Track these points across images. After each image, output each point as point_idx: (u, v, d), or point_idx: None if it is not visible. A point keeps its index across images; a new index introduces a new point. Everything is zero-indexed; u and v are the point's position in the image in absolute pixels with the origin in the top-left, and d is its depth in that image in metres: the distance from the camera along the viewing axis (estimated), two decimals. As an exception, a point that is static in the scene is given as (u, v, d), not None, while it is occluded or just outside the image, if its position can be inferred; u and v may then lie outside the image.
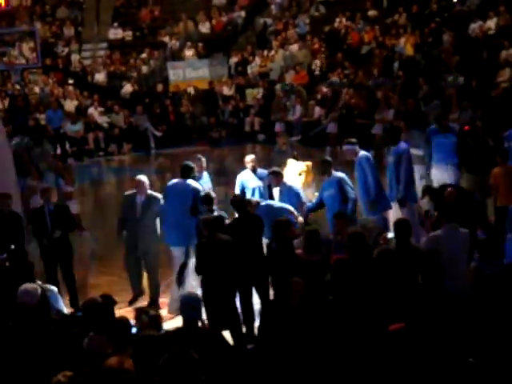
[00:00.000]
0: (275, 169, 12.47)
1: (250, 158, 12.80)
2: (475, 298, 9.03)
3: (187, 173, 11.69)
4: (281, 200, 11.99)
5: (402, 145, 12.75)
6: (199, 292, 9.58)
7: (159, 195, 11.78)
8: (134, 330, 7.71)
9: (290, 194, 12.02)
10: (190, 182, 11.62)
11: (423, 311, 8.09)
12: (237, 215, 10.76)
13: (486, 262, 9.97)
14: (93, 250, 14.16)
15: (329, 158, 12.60)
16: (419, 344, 7.72)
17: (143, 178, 11.88)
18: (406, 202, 12.43)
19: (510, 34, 23.44)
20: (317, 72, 27.46)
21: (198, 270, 9.99)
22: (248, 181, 12.62)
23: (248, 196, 12.09)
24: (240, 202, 10.94)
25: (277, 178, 12.14)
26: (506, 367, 7.05)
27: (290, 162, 13.34)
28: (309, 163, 13.58)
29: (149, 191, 11.77)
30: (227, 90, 28.10)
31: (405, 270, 9.25)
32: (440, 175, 13.56)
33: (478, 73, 22.51)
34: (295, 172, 13.13)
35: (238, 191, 12.48)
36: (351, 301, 8.78)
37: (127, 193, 12.03)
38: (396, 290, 8.97)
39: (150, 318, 7.93)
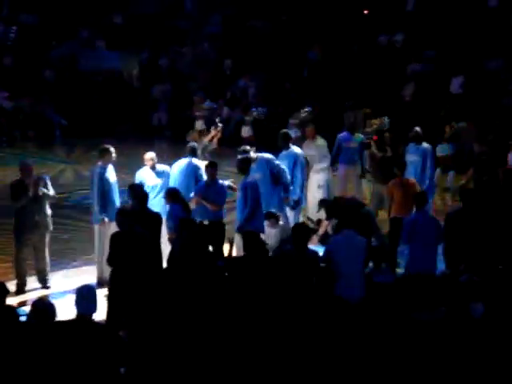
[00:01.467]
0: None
1: (149, 156, 12.82)
2: (365, 304, 9.29)
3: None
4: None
5: (294, 150, 13.37)
6: None
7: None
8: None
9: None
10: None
11: (312, 315, 8.30)
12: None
13: (377, 270, 10.31)
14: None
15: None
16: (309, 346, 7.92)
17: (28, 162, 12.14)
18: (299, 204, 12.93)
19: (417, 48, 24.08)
20: (227, 72, 27.54)
21: (110, 261, 9.99)
22: (146, 179, 12.64)
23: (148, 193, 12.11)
24: (142, 196, 11.05)
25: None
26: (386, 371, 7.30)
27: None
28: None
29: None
30: (137, 83, 27.97)
31: (300, 273, 9.47)
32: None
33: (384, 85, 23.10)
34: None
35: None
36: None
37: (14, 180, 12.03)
38: (290, 292, 9.19)
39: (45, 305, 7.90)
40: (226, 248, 12.08)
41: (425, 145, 14.37)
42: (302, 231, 9.85)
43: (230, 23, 29.22)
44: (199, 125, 20.51)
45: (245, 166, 12.11)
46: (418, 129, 14.50)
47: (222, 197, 12.16)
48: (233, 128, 24.30)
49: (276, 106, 24.21)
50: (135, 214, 10.50)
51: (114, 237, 10.09)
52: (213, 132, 14.30)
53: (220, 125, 14.79)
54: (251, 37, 28.40)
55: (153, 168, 12.71)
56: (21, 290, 11.66)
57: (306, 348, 7.94)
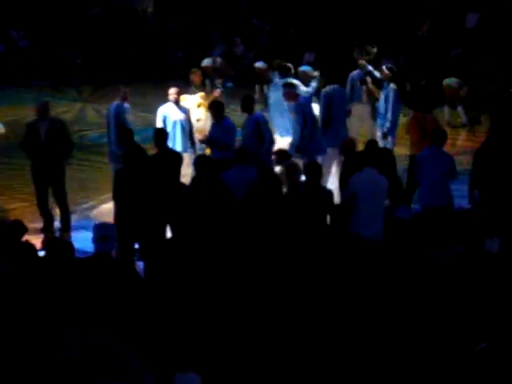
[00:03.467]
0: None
1: (173, 90, 12.74)
2: (382, 241, 9.30)
3: None
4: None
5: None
6: None
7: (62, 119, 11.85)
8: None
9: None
10: None
11: (328, 253, 8.30)
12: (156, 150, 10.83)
13: (394, 207, 10.30)
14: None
15: (252, 95, 12.64)
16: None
17: (45, 102, 11.84)
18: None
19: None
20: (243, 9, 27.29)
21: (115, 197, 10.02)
22: (170, 114, 12.58)
23: (169, 129, 12.09)
24: (162, 135, 11.01)
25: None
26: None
27: (184, 96, 13.27)
28: (202, 93, 13.58)
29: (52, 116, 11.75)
30: (152, 22, 27.77)
31: (313, 211, 9.48)
32: None
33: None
34: (193, 105, 13.13)
35: (159, 124, 12.45)
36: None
37: (29, 121, 11.98)
38: (303, 230, 9.21)
39: (60, 246, 7.97)
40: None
41: (391, 85, 13.67)
42: (314, 169, 9.81)
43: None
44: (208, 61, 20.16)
45: (247, 104, 12.09)
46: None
47: (230, 135, 12.09)
48: (247, 66, 24.09)
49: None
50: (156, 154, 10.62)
51: (117, 173, 10.15)
52: (214, 93, 14.04)
53: (219, 89, 14.55)
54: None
55: (176, 103, 12.64)
56: (46, 229, 11.73)
57: (321, 288, 7.96)
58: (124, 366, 5.24)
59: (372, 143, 11.24)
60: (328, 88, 13.23)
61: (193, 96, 13.32)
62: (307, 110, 12.40)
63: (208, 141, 12.05)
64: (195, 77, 13.92)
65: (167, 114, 12.55)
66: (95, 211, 12.66)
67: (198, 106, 13.13)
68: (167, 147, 11.21)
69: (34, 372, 5.55)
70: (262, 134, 11.78)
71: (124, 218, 9.75)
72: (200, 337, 7.33)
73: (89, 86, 24.08)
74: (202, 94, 13.48)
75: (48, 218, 11.80)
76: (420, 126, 12.48)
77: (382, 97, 13.72)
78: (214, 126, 12.03)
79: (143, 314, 7.14)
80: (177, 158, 11.13)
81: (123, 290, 6.92)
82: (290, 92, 12.43)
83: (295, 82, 13.18)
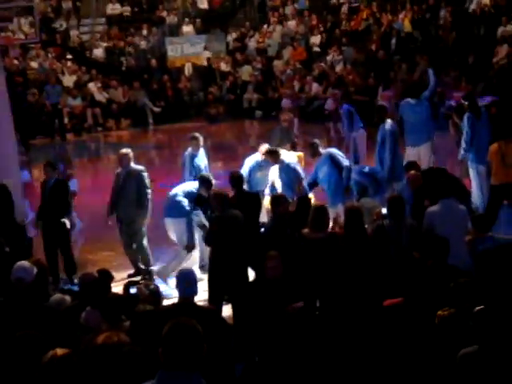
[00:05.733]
0: (270, 148, 12.51)
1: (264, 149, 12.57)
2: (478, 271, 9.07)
3: None
4: (280, 177, 12.13)
5: (388, 124, 12.93)
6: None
7: (141, 167, 11.94)
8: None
9: (289, 171, 12.11)
10: None
11: (423, 286, 8.14)
12: (234, 192, 10.89)
13: (479, 237, 10.06)
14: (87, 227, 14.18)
15: (315, 140, 12.67)
16: (418, 319, 7.79)
17: (125, 151, 12.02)
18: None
19: (507, 10, 23.48)
20: (315, 48, 27.47)
21: (208, 241, 10.13)
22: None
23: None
24: (238, 178, 11.07)
25: (272, 156, 12.21)
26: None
27: (282, 152, 13.33)
28: (300, 154, 13.70)
29: (132, 164, 11.84)
30: (225, 66, 28.12)
31: (399, 246, 9.37)
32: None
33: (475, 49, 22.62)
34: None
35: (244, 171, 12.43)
36: (346, 277, 8.92)
37: (117, 170, 12.18)
38: (391, 266, 9.10)
39: (150, 291, 8.04)
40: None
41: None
42: (398, 203, 9.72)
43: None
44: (286, 103, 20.39)
45: (314, 150, 12.22)
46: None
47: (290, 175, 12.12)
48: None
49: (366, 78, 23.95)
50: (234, 196, 10.68)
51: (212, 219, 10.24)
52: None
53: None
54: (337, 11, 28.27)
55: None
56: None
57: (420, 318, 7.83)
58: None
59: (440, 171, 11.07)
60: None
61: (289, 153, 13.25)
62: None
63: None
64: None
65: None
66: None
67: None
68: (244, 189, 11.29)
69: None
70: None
71: (219, 262, 9.81)
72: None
73: (166, 133, 24.47)
74: (300, 154, 13.62)
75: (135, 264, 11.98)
76: (500, 154, 12.23)
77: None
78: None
79: (230, 361, 7.14)
80: (256, 199, 11.21)
81: (211, 338, 6.93)
82: None
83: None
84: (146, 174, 11.85)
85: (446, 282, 7.62)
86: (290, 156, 12.86)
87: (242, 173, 11.75)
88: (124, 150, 12.06)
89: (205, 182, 11.33)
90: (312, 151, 12.39)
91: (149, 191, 11.82)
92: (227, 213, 9.97)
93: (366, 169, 12.72)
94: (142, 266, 11.90)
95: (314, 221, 9.62)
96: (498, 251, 9.77)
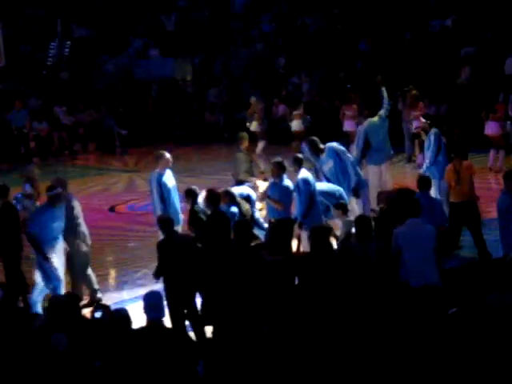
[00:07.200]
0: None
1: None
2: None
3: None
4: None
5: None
6: None
7: (74, 198, 11.95)
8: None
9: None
10: None
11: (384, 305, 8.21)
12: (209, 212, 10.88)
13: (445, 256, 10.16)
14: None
15: (299, 155, 12.68)
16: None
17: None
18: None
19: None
20: (281, 70, 27.57)
21: (159, 271, 10.04)
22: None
23: None
24: (215, 198, 11.04)
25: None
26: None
27: (259, 183, 13.38)
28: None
29: (68, 194, 11.88)
30: (191, 89, 28.18)
31: (365, 266, 9.40)
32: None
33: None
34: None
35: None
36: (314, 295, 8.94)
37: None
38: (358, 285, 9.13)
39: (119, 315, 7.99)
40: (294, 244, 12.02)
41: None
42: (365, 223, 9.74)
43: (282, 21, 29.24)
44: (254, 126, 20.38)
45: (296, 163, 12.23)
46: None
47: (286, 196, 12.17)
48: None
49: (331, 100, 24.10)
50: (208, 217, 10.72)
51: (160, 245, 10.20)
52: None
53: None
54: (303, 33, 28.41)
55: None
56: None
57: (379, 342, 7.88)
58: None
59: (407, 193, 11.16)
60: None
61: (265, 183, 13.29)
62: None
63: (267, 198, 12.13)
64: (245, 141, 14.29)
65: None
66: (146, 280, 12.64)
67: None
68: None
69: None
70: None
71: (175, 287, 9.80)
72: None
73: (133, 156, 24.42)
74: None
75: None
76: (456, 173, 12.44)
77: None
78: (273, 185, 12.18)
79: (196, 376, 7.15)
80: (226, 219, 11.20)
81: (179, 359, 6.93)
82: None
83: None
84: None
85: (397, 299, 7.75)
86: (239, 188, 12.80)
87: (217, 192, 11.60)
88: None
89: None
90: (296, 165, 12.24)
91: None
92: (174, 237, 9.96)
93: (324, 187, 12.77)
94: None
95: (272, 242, 9.66)
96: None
